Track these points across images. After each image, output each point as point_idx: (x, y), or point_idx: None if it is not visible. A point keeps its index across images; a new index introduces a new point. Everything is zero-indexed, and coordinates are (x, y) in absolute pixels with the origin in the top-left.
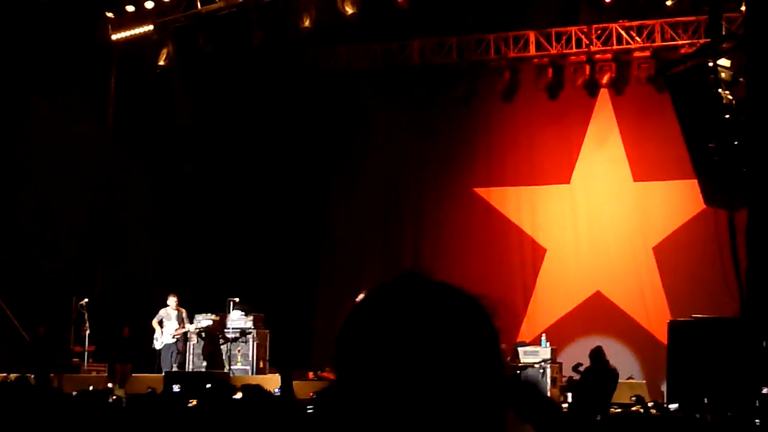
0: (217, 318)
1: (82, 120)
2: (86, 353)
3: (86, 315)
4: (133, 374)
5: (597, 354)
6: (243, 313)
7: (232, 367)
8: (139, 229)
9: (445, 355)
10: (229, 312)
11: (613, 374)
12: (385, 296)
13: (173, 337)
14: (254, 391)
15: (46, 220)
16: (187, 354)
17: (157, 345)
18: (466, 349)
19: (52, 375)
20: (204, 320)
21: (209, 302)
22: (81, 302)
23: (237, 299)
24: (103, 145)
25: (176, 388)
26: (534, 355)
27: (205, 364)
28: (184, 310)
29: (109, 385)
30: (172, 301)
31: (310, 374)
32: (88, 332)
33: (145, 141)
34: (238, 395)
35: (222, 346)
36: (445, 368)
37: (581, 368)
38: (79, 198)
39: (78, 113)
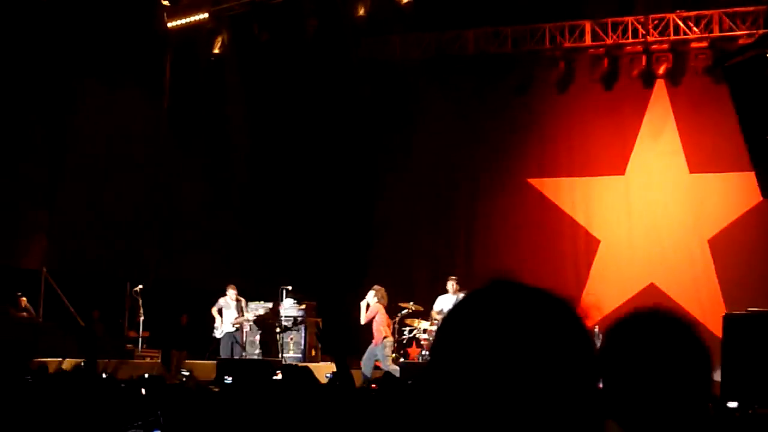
0: (271, 306)
1: (137, 108)
2: (140, 339)
3: (140, 301)
4: (187, 361)
5: None
6: (295, 301)
7: (284, 355)
8: (193, 216)
9: (541, 359)
10: (281, 300)
11: None
12: (482, 300)
13: (233, 326)
14: (294, 372)
15: (101, 207)
16: (245, 341)
17: (218, 334)
18: (562, 353)
19: (101, 361)
20: (260, 308)
21: (261, 290)
22: (135, 288)
23: (289, 287)
24: (158, 132)
25: (228, 378)
26: None
27: (258, 351)
28: (243, 300)
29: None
30: (231, 291)
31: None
32: (142, 318)
33: (199, 129)
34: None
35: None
36: (541, 372)
37: None
38: (134, 185)
39: (132, 101)
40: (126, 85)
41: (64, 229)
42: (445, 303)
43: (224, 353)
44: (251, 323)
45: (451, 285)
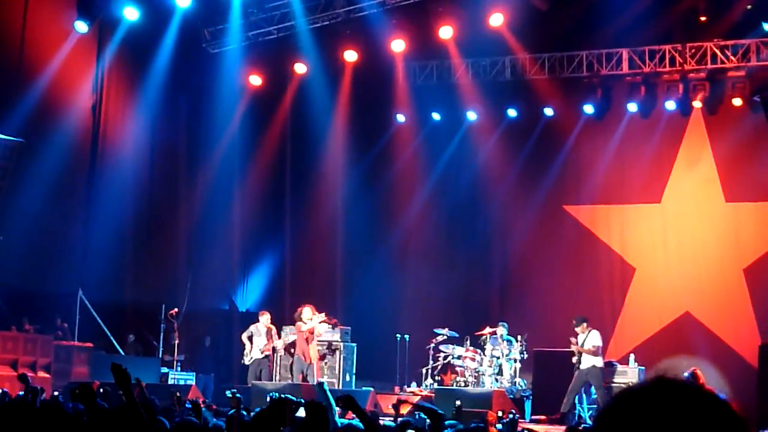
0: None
1: (172, 129)
2: (175, 362)
3: (176, 324)
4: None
5: (691, 378)
6: (330, 326)
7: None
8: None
9: None
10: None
11: None
12: (640, 401)
13: (262, 353)
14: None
15: (140, 232)
16: (275, 367)
17: (246, 360)
18: None
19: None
20: (292, 334)
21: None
22: (171, 311)
23: (323, 313)
24: (193, 155)
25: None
26: (623, 375)
27: (290, 377)
28: (273, 327)
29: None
30: (264, 318)
31: (396, 389)
32: (177, 342)
33: (237, 153)
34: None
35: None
36: None
37: None
38: (173, 211)
39: (167, 122)
40: (167, 105)
41: (99, 252)
42: (579, 340)
43: (251, 380)
44: (285, 350)
45: (577, 324)
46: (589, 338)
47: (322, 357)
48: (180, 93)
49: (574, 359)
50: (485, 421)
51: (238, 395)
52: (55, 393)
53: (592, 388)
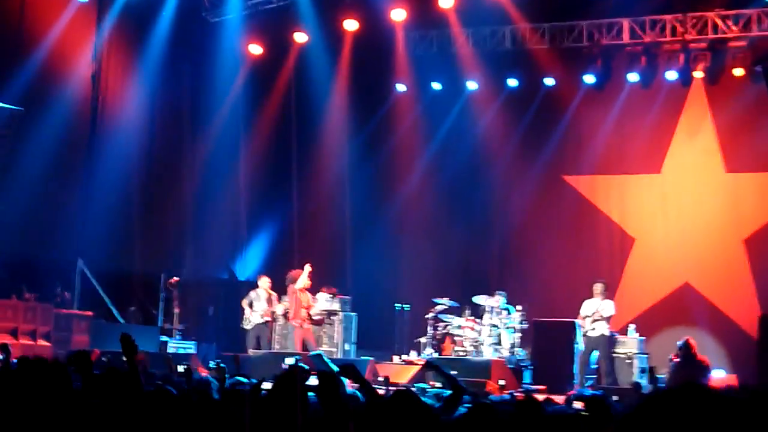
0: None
1: (171, 100)
2: (175, 331)
3: (175, 293)
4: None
5: (685, 346)
6: (330, 295)
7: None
8: (227, 211)
9: None
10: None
11: (703, 366)
12: (668, 406)
13: (262, 318)
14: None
15: (140, 201)
16: (273, 335)
17: (247, 325)
18: None
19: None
20: (284, 302)
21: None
22: (170, 280)
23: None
24: (190, 128)
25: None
26: (623, 345)
27: (278, 345)
28: (275, 293)
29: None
30: (264, 282)
31: (394, 358)
32: (177, 311)
33: (235, 127)
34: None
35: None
36: None
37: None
38: (172, 180)
39: (164, 94)
40: (166, 74)
41: (99, 220)
42: (589, 308)
43: (251, 345)
44: (282, 316)
45: (598, 288)
46: (604, 306)
47: (318, 323)
48: (180, 62)
49: (585, 326)
50: (483, 391)
51: (222, 365)
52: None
53: (592, 356)
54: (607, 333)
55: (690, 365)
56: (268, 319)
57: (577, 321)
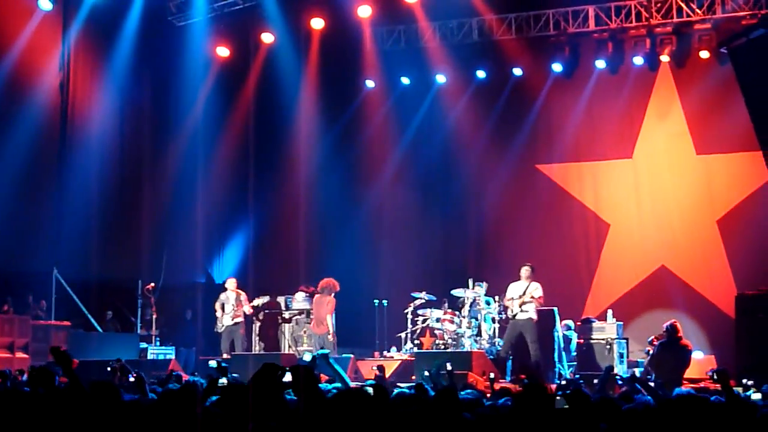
0: (267, 299)
1: (141, 105)
2: (154, 337)
3: (152, 299)
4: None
5: (670, 329)
6: (307, 294)
7: (298, 348)
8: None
9: None
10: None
11: (686, 350)
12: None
13: (232, 320)
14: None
15: (114, 208)
16: (253, 336)
17: (218, 329)
18: None
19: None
20: (257, 300)
21: (275, 284)
22: (147, 287)
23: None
24: (162, 131)
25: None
26: (601, 331)
27: (262, 345)
28: (243, 293)
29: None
30: (230, 283)
31: (376, 354)
32: (155, 316)
33: (209, 128)
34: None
35: (283, 327)
36: None
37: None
38: (145, 185)
39: (136, 99)
40: (135, 80)
41: (74, 229)
42: (516, 290)
43: (224, 348)
44: (254, 316)
45: (527, 272)
46: (532, 288)
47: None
48: (148, 67)
49: (513, 309)
50: (466, 383)
51: (224, 364)
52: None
53: (572, 344)
54: (534, 317)
55: (673, 348)
56: (240, 320)
57: (505, 302)
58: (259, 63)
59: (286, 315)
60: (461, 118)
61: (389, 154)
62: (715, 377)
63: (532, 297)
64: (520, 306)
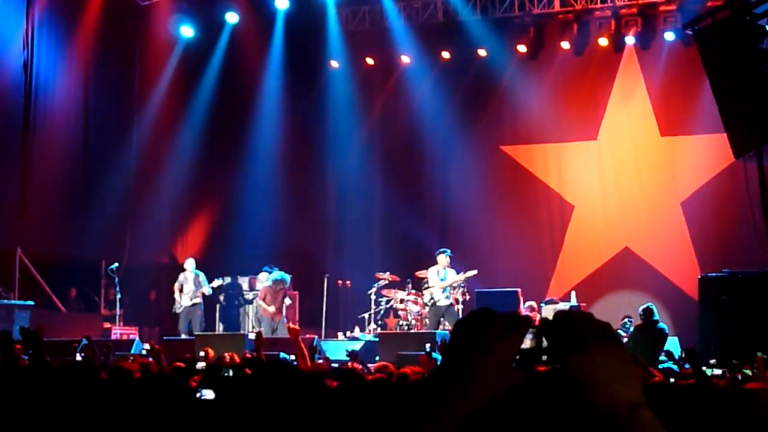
0: (228, 279)
1: (110, 85)
2: (116, 317)
3: (116, 279)
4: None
5: (646, 312)
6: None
7: (261, 328)
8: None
9: None
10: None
11: (662, 333)
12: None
13: (191, 301)
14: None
15: (73, 185)
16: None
17: (177, 309)
18: None
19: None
20: (217, 281)
21: (240, 264)
22: (111, 267)
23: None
24: (134, 111)
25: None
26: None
27: (221, 326)
28: (202, 273)
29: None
30: (189, 264)
31: (339, 335)
32: (119, 296)
33: (179, 107)
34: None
35: (247, 308)
36: None
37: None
38: (109, 165)
39: (106, 78)
40: (99, 60)
41: (37, 209)
42: (432, 276)
43: (182, 329)
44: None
45: (448, 259)
46: (452, 274)
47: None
48: (112, 47)
49: (435, 296)
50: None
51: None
52: None
53: None
54: (452, 303)
55: (649, 331)
56: (198, 300)
57: (434, 290)
58: (224, 43)
59: (250, 296)
60: (426, 99)
61: (353, 134)
62: (684, 356)
63: (460, 283)
64: (443, 292)
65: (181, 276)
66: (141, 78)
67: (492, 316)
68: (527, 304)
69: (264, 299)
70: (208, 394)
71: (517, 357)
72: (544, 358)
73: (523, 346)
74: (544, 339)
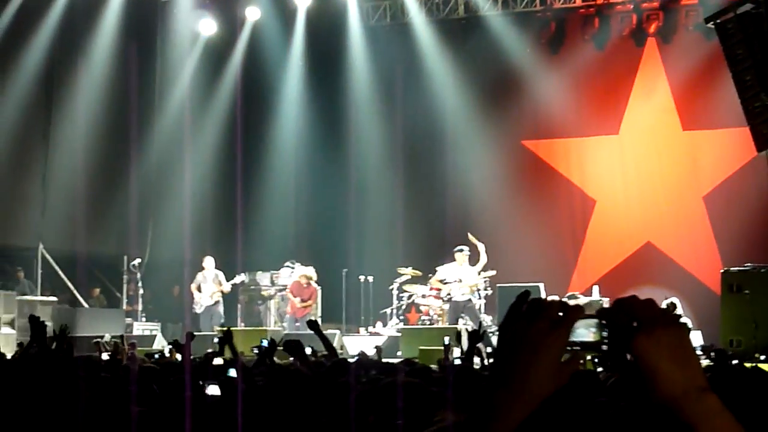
0: (246, 277)
1: (130, 80)
2: (139, 313)
3: (138, 275)
4: None
5: (670, 306)
6: (292, 270)
7: (284, 324)
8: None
9: None
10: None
11: (685, 327)
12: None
13: (211, 298)
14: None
15: (94, 181)
16: (238, 314)
17: (197, 309)
18: None
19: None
20: (237, 278)
21: (262, 261)
22: (133, 263)
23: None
24: (152, 105)
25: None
26: (588, 308)
27: (243, 323)
28: (220, 272)
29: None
30: (208, 262)
31: (360, 330)
32: (141, 292)
33: (199, 102)
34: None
35: (269, 304)
36: None
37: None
38: (131, 162)
39: (125, 73)
40: (120, 56)
41: (59, 205)
42: (449, 273)
43: (204, 328)
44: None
45: (459, 256)
46: (471, 271)
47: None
48: (133, 43)
49: (452, 292)
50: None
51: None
52: None
53: None
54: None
55: None
56: (219, 299)
57: (453, 286)
58: (245, 39)
59: (272, 291)
60: (447, 94)
61: (375, 129)
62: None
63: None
64: (461, 288)
65: (199, 275)
66: (162, 74)
67: (535, 309)
68: (550, 299)
69: (292, 293)
70: (213, 390)
71: (571, 348)
72: (605, 347)
73: (578, 337)
74: (602, 329)
